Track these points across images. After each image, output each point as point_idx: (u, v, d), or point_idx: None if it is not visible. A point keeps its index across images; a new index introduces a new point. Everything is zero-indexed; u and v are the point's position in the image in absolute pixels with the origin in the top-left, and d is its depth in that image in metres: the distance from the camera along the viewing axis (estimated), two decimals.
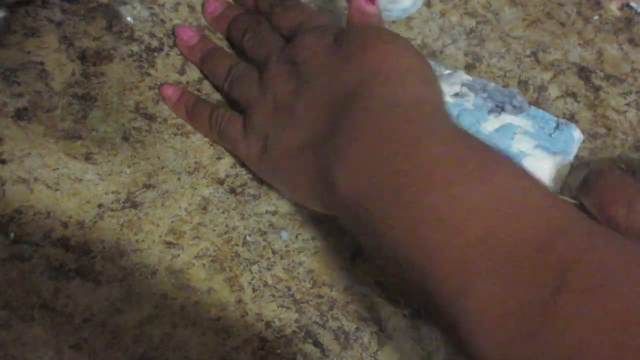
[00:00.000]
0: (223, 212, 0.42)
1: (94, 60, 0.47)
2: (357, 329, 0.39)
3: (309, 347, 0.38)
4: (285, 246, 0.41)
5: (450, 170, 0.30)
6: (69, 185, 0.41)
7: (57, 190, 0.41)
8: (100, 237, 0.40)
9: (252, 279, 0.40)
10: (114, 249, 0.39)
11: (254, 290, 0.39)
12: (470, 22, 0.53)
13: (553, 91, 0.50)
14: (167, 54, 0.48)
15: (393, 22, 0.52)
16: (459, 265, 0.28)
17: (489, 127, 0.40)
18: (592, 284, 0.26)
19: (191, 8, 0.51)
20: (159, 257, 0.40)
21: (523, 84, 0.50)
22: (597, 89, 0.50)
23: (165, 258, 0.40)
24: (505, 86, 0.48)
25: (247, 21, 0.46)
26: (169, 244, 0.40)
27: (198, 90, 0.47)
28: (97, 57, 0.47)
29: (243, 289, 0.39)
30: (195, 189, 0.43)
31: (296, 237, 0.42)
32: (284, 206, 0.43)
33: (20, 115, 0.44)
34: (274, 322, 0.39)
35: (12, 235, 0.39)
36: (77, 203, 0.41)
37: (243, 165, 0.44)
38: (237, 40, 0.46)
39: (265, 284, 0.40)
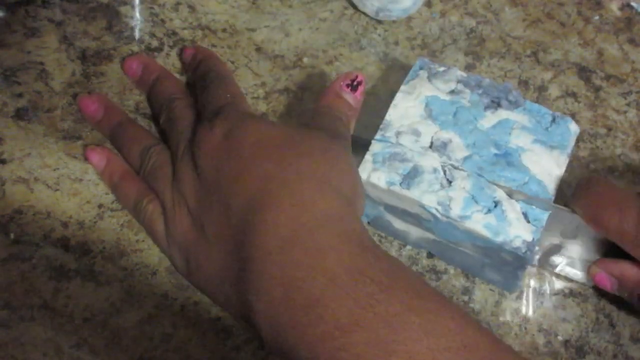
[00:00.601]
0: None
1: (94, 60, 0.47)
2: None
3: None
4: None
5: (356, 334, 0.28)
6: (69, 185, 0.41)
7: (57, 190, 0.41)
8: (101, 237, 0.40)
9: None
10: (114, 249, 0.39)
11: None
12: (470, 22, 0.53)
13: (553, 91, 0.50)
14: (168, 54, 0.48)
15: (394, 21, 0.52)
16: None
17: (486, 123, 0.40)
18: None
19: (191, 8, 0.51)
20: (159, 257, 0.40)
21: (523, 84, 0.50)
22: (597, 89, 0.50)
23: (166, 258, 0.40)
24: None
25: (163, 95, 0.43)
26: None
27: None
28: (97, 57, 0.47)
29: None
30: None
31: None
32: None
33: (20, 115, 0.44)
34: None
35: (12, 235, 0.39)
36: (77, 203, 0.41)
37: None
38: (155, 114, 0.44)
39: None
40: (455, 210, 0.37)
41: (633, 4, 0.55)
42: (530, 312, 0.40)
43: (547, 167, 0.39)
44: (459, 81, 0.42)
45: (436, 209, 0.37)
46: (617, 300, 0.41)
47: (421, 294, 0.30)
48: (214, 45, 0.49)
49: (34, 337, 0.36)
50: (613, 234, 0.37)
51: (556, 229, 0.39)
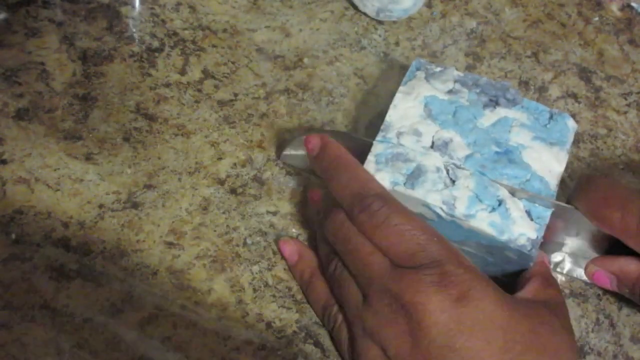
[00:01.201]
0: (224, 213, 0.42)
1: (94, 61, 0.47)
2: None
3: (309, 348, 0.38)
4: None
5: None
6: (69, 186, 0.41)
7: (57, 190, 0.41)
8: (101, 238, 0.40)
9: (252, 280, 0.40)
10: (114, 250, 0.40)
11: (254, 290, 0.39)
12: (470, 23, 0.53)
13: (554, 92, 0.50)
14: (168, 54, 0.48)
15: (394, 22, 0.52)
16: None
17: (485, 122, 0.40)
18: None
19: (192, 8, 0.51)
20: (159, 257, 0.40)
21: (524, 85, 0.50)
22: (597, 89, 0.50)
23: (166, 258, 0.40)
24: None
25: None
26: (170, 245, 0.40)
27: (199, 90, 0.47)
28: (97, 58, 0.47)
29: (244, 289, 0.39)
30: (196, 189, 0.43)
31: (297, 237, 0.42)
32: (285, 207, 0.43)
33: (21, 115, 0.44)
34: (274, 323, 0.39)
35: (13, 235, 0.39)
36: (77, 203, 0.41)
37: (244, 165, 0.44)
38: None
39: (266, 285, 0.40)
40: (460, 209, 0.37)
41: (633, 4, 0.55)
42: None
43: (548, 163, 0.39)
44: (456, 81, 0.42)
45: (441, 208, 0.37)
46: (617, 301, 0.41)
47: None
48: (214, 46, 0.49)
49: (34, 338, 0.36)
50: (615, 230, 0.37)
51: (557, 227, 0.39)
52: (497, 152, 0.39)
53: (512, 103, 0.41)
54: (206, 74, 0.48)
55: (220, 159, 0.44)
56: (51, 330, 0.36)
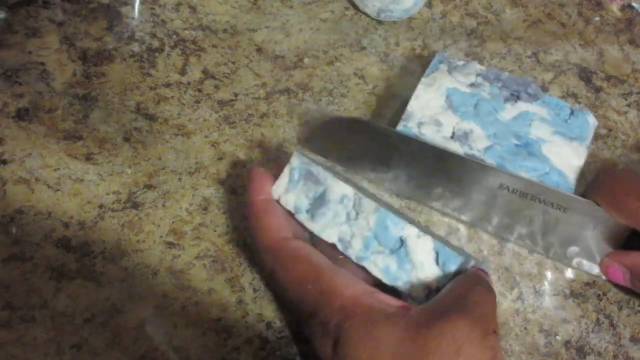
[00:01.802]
0: (224, 213, 0.42)
1: (95, 61, 0.47)
2: None
3: (309, 348, 0.38)
4: None
5: None
6: (70, 186, 0.41)
7: (58, 190, 0.41)
8: (101, 238, 0.40)
9: (252, 280, 0.40)
10: (114, 250, 0.40)
11: (254, 290, 0.39)
12: (471, 23, 0.53)
13: (554, 92, 0.50)
14: (168, 55, 0.48)
15: (394, 22, 0.52)
16: None
17: (506, 115, 0.41)
18: None
19: (192, 8, 0.51)
20: (159, 257, 0.40)
21: None
22: (598, 89, 0.50)
23: (166, 258, 0.40)
24: None
25: None
26: (170, 245, 0.40)
27: (199, 90, 0.47)
28: (98, 58, 0.47)
29: (244, 289, 0.39)
30: (196, 189, 0.43)
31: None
32: None
33: (21, 115, 0.44)
34: (274, 323, 0.39)
35: (13, 235, 0.39)
36: (78, 203, 0.41)
37: (244, 165, 0.44)
38: None
39: (266, 285, 0.40)
40: (355, 249, 0.35)
41: (633, 4, 0.55)
42: (531, 313, 0.40)
43: (567, 158, 0.40)
44: (478, 74, 0.43)
45: (335, 245, 0.36)
46: (617, 301, 0.41)
47: None
48: (214, 46, 0.49)
49: (34, 338, 0.36)
50: (634, 220, 0.37)
51: (574, 221, 0.39)
52: (516, 145, 0.40)
53: (533, 98, 0.42)
54: (206, 74, 0.48)
55: (220, 159, 0.44)
56: (51, 330, 0.36)
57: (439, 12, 0.54)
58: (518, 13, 0.54)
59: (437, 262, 0.33)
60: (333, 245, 0.36)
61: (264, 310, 0.39)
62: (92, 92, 0.45)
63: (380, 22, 0.52)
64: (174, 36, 0.49)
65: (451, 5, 0.54)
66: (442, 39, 0.52)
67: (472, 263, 0.33)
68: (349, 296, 0.32)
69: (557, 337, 0.39)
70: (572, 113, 0.42)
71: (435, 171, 0.40)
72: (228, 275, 0.40)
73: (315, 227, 0.36)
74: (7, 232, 0.39)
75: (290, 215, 0.37)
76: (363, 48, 0.51)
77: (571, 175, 0.39)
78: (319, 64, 0.49)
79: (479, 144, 0.39)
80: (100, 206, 0.41)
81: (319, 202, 0.36)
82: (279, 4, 0.52)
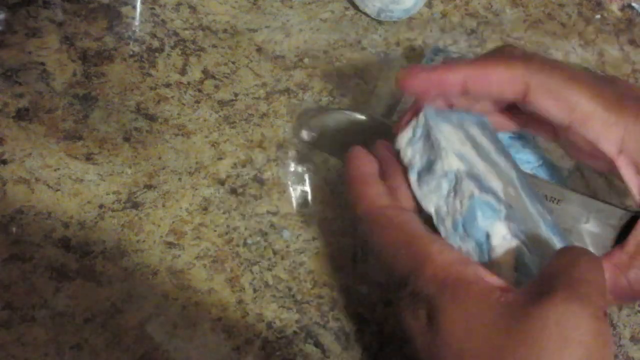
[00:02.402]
0: (224, 213, 0.42)
1: (95, 61, 0.47)
2: (358, 329, 0.39)
3: (310, 348, 0.38)
4: (286, 247, 0.41)
5: None
6: (70, 186, 0.41)
7: (58, 190, 0.41)
8: (101, 238, 0.40)
9: (253, 280, 0.40)
10: (115, 250, 0.40)
11: (254, 290, 0.39)
12: (471, 23, 0.53)
13: None
14: (168, 55, 0.48)
15: (394, 22, 0.52)
16: None
17: None
18: None
19: (192, 8, 0.51)
20: (160, 257, 0.40)
21: None
22: None
23: (166, 258, 0.40)
24: None
25: None
26: (170, 245, 0.40)
27: (199, 90, 0.47)
28: (98, 58, 0.47)
29: (244, 289, 0.39)
30: (196, 189, 0.43)
31: (297, 237, 0.42)
32: (285, 206, 0.43)
33: (21, 115, 0.44)
34: (275, 323, 0.39)
35: (13, 235, 0.39)
36: (78, 203, 0.41)
37: (244, 165, 0.44)
38: None
39: (266, 285, 0.40)
40: (447, 227, 0.35)
41: (634, 4, 0.55)
42: None
43: (561, 150, 0.40)
44: None
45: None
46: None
47: None
48: (214, 46, 0.49)
49: (34, 338, 0.36)
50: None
51: (567, 214, 0.39)
52: (510, 137, 0.40)
53: None
54: (206, 74, 0.48)
55: (220, 159, 0.44)
56: (51, 331, 0.36)
57: (439, 12, 0.54)
58: (518, 13, 0.54)
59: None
60: (429, 218, 0.35)
61: (264, 310, 0.39)
62: (92, 92, 0.45)
63: (380, 22, 0.52)
64: (174, 36, 0.49)
65: (451, 5, 0.54)
66: (442, 39, 0.52)
67: None
68: (440, 263, 0.30)
69: None
70: None
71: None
72: (228, 276, 0.40)
73: (418, 192, 0.35)
74: (7, 232, 0.39)
75: (405, 176, 0.36)
76: (363, 48, 0.51)
77: (565, 167, 0.39)
78: (319, 64, 0.49)
79: None
80: (100, 206, 0.41)
81: (427, 168, 0.35)
82: (279, 4, 0.52)
